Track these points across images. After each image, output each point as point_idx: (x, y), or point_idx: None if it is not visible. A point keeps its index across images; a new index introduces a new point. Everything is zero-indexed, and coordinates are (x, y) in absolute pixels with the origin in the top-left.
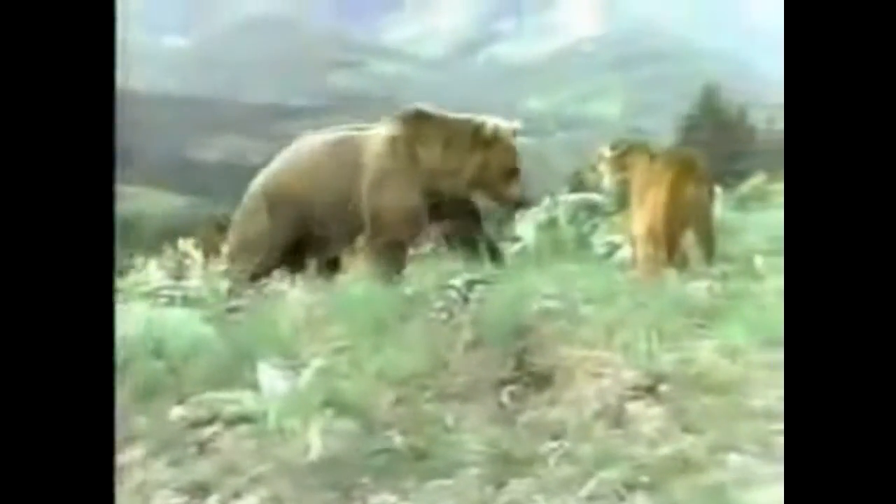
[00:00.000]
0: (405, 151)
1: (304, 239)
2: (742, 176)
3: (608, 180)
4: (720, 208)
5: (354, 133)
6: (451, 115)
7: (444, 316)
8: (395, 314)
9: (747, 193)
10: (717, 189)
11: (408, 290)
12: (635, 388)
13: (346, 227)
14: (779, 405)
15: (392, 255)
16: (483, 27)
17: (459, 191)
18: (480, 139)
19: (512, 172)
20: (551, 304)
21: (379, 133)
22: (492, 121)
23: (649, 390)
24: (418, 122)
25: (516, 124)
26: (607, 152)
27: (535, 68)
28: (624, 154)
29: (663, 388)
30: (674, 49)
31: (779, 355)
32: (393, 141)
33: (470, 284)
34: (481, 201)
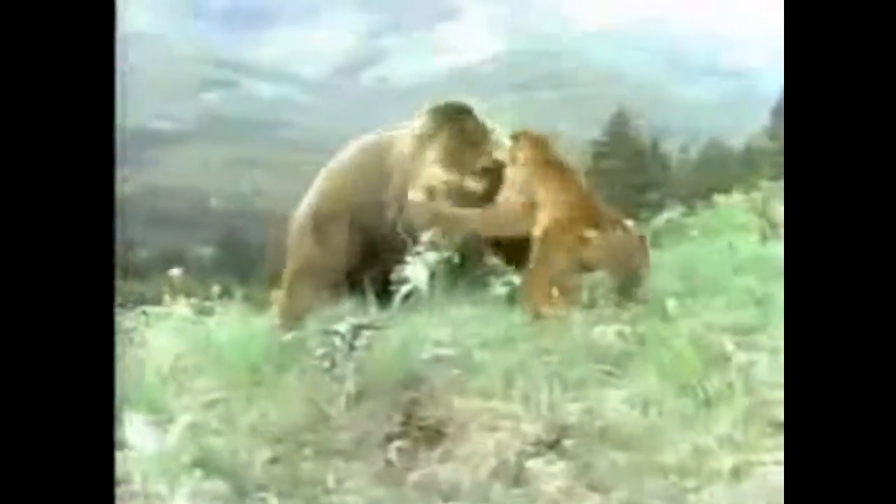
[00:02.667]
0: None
1: (360, 258)
2: (655, 208)
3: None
4: None
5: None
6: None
7: (325, 365)
8: (272, 363)
9: (661, 228)
10: (628, 223)
11: (286, 336)
12: (536, 442)
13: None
14: (691, 460)
15: None
16: (368, 44)
17: None
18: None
19: None
20: (443, 350)
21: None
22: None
23: (552, 445)
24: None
25: None
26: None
27: (425, 90)
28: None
29: (567, 442)
30: (580, 71)
31: (690, 406)
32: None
33: (355, 330)
34: None
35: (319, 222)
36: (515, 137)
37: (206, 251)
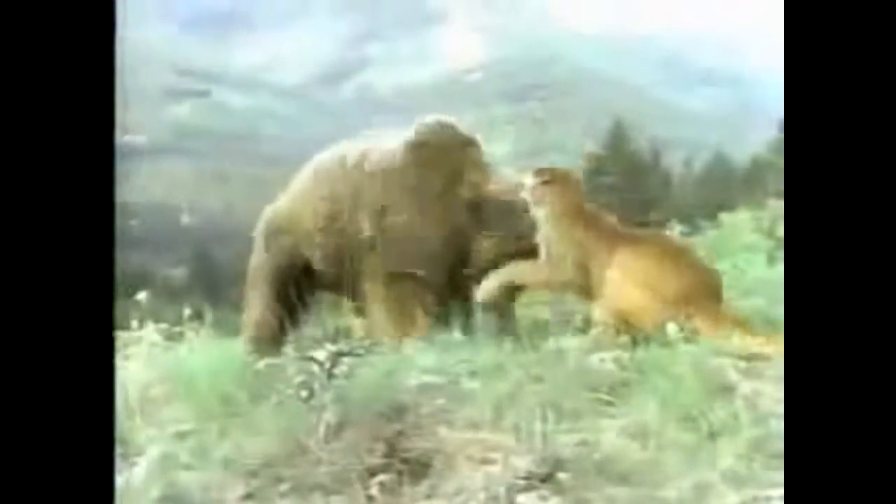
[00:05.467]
0: None
1: (303, 275)
2: (656, 228)
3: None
4: None
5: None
6: None
7: (303, 394)
8: (246, 392)
9: None
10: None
11: (261, 364)
12: (528, 476)
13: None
14: (693, 496)
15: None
16: (349, 52)
17: None
18: None
19: None
20: (429, 378)
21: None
22: None
23: (545, 479)
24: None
25: None
26: (529, 181)
27: (410, 100)
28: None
29: (561, 476)
30: (577, 80)
31: (693, 438)
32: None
33: (334, 357)
34: None
35: (271, 228)
36: (543, 177)
37: (177, 272)
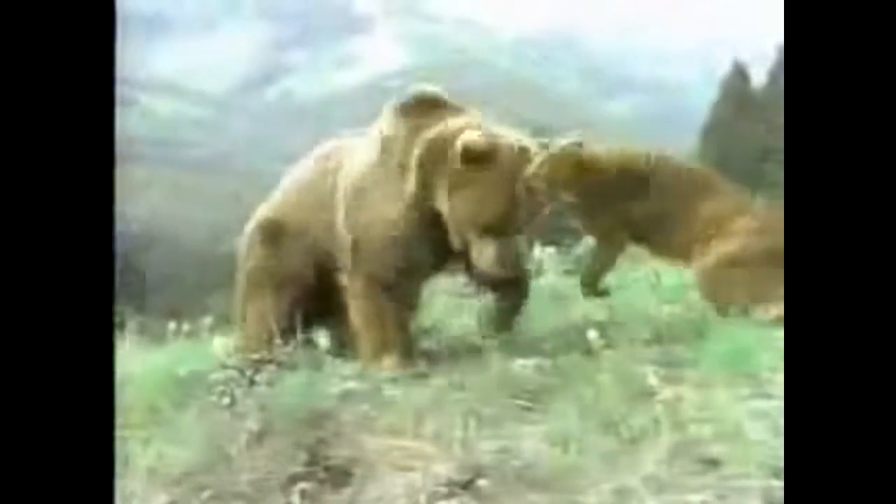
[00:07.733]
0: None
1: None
2: (577, 234)
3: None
4: (551, 273)
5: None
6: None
7: (225, 401)
8: (168, 400)
9: (584, 255)
10: (549, 250)
11: (182, 371)
12: (449, 483)
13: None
14: (614, 502)
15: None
16: (272, 59)
17: None
18: None
19: None
20: (351, 385)
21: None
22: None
23: (465, 486)
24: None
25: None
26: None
27: (332, 106)
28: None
29: (482, 482)
30: (499, 87)
31: (613, 443)
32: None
33: (256, 364)
34: None
35: (269, 232)
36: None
37: None
